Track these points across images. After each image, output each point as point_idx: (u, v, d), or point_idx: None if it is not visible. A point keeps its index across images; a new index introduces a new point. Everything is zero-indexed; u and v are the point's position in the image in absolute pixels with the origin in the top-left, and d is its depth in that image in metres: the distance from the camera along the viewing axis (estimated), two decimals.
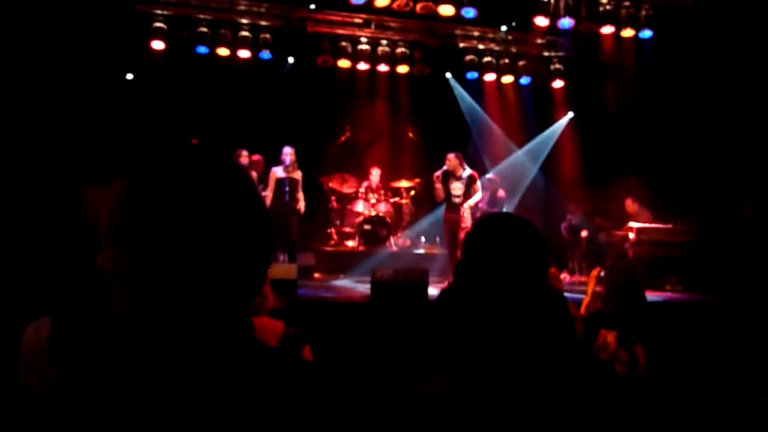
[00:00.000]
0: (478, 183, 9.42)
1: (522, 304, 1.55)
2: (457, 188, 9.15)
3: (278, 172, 8.88)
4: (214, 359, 0.93)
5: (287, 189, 8.77)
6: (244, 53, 10.54)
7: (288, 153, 8.84)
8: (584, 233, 10.30)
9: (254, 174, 8.94)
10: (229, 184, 0.97)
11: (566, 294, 6.21)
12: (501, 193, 10.70)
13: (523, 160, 12.18)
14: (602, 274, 5.10)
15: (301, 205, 9.00)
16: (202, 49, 10.41)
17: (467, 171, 9.30)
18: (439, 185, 9.08)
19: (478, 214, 8.89)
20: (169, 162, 0.96)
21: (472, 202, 9.15)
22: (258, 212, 1.00)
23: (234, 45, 10.50)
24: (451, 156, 9.28)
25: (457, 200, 9.15)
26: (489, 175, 10.56)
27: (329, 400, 0.98)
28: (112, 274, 0.95)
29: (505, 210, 10.73)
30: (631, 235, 9.51)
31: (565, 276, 10.40)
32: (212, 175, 0.96)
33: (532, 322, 1.55)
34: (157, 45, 10.13)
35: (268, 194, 8.95)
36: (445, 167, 9.15)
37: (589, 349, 4.17)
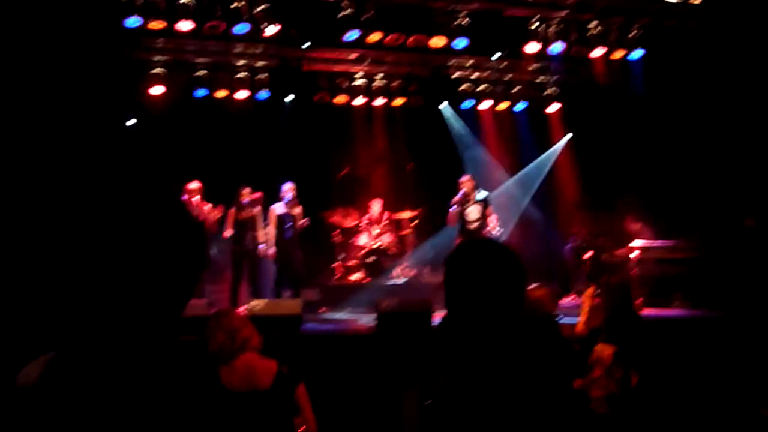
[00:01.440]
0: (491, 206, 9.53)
1: (495, 325, 1.60)
2: (474, 212, 9.21)
3: (278, 208, 8.97)
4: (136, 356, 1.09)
5: (289, 224, 8.86)
6: (242, 94, 10.71)
7: (287, 189, 8.94)
8: (587, 254, 10.30)
9: (257, 210, 9.03)
10: (162, 220, 1.12)
11: (573, 315, 6.24)
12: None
13: (517, 185, 12.24)
14: (598, 292, 5.14)
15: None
16: (201, 92, 10.59)
17: (482, 194, 9.38)
18: (458, 209, 9.15)
19: None
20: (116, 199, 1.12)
21: (492, 228, 9.24)
22: (184, 242, 1.14)
23: (232, 86, 10.68)
24: (465, 179, 9.36)
25: (473, 226, 9.18)
26: None
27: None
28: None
29: (500, 234, 10.81)
30: (634, 254, 9.52)
31: (573, 297, 10.38)
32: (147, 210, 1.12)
33: (505, 341, 1.59)
34: (156, 90, 10.31)
35: (270, 230, 9.02)
36: (463, 190, 9.24)
37: (584, 364, 4.20)
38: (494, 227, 10.66)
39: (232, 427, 3.09)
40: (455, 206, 9.25)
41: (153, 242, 1.08)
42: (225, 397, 3.16)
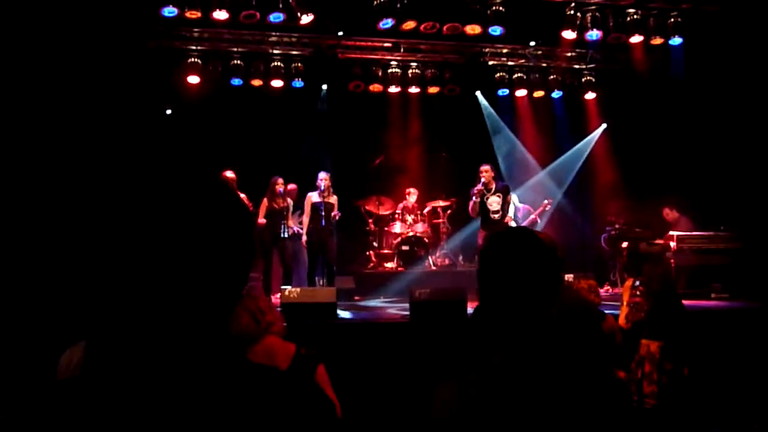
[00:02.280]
0: (512, 194, 9.43)
1: (528, 317, 1.59)
2: (494, 203, 9.07)
3: (314, 197, 9.02)
4: (188, 356, 1.07)
5: (323, 213, 8.89)
6: (277, 83, 10.78)
7: (323, 178, 8.97)
8: (624, 244, 10.17)
9: (290, 201, 9.09)
10: (209, 207, 1.09)
11: (608, 307, 6.17)
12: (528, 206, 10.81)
13: (552, 173, 12.12)
14: (637, 283, 5.06)
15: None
16: (237, 81, 10.69)
17: (500, 183, 9.30)
18: (477, 200, 8.99)
19: None
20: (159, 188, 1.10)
21: (511, 213, 9.16)
22: (235, 234, 1.11)
23: (267, 75, 10.75)
24: (485, 168, 9.21)
25: (495, 216, 9.05)
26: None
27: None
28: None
29: (538, 223, 10.73)
30: (672, 244, 9.38)
31: (607, 288, 10.28)
32: (193, 198, 1.09)
33: (538, 333, 1.58)
34: (193, 79, 10.42)
35: (305, 219, 9.08)
36: (483, 180, 9.09)
37: (629, 359, 4.16)
38: (538, 216, 10.61)
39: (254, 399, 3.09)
40: (475, 197, 9.04)
41: (204, 229, 1.06)
42: (249, 369, 3.14)
